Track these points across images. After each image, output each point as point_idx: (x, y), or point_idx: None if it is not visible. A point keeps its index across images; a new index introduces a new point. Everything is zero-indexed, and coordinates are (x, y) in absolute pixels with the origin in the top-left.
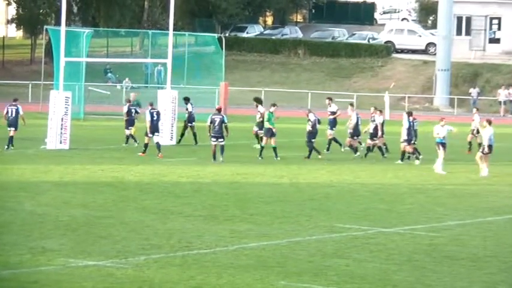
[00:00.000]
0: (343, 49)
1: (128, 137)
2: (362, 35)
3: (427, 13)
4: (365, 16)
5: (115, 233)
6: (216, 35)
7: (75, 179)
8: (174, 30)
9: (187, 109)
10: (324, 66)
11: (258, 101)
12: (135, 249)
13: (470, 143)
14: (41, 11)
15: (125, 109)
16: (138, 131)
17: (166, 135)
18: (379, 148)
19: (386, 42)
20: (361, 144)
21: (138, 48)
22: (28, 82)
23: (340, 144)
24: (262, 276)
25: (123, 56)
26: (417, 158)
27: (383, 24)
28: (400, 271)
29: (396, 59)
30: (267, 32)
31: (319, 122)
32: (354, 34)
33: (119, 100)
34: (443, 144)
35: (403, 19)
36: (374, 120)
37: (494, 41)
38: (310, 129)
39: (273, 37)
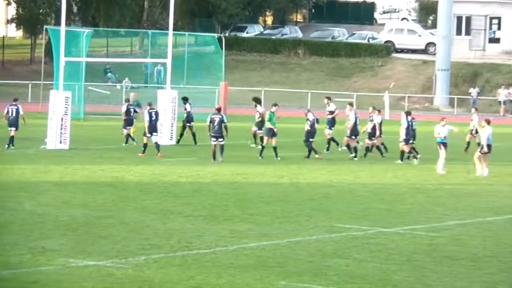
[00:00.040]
0: (343, 49)
1: (127, 137)
2: (362, 35)
3: (427, 13)
4: (365, 16)
5: (115, 233)
6: (216, 35)
7: (75, 179)
8: (174, 30)
9: (185, 109)
10: (324, 66)
11: (257, 100)
12: (135, 249)
13: (468, 143)
14: (41, 10)
15: (124, 108)
16: (137, 131)
17: (166, 135)
18: (378, 148)
19: (386, 42)
20: (358, 143)
21: (137, 48)
22: (28, 82)
23: (338, 144)
24: (262, 276)
25: (123, 55)
26: (415, 157)
27: (383, 24)
28: (400, 271)
29: (396, 59)
30: (266, 31)
31: (317, 122)
32: (354, 34)
33: (119, 100)
34: (445, 144)
35: (403, 19)
36: (372, 120)
37: (494, 40)
38: (309, 128)
39: (273, 37)
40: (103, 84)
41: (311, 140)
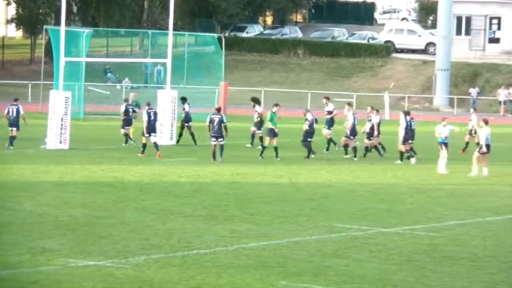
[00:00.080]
0: (343, 49)
1: (127, 137)
2: (362, 35)
3: (426, 13)
4: (365, 16)
5: (115, 233)
6: (215, 35)
7: (75, 179)
8: (173, 30)
9: (184, 109)
10: (324, 66)
11: (256, 101)
12: (135, 249)
13: (467, 143)
14: (41, 10)
15: (122, 108)
16: (137, 131)
17: (166, 135)
18: (375, 148)
19: (386, 42)
20: (355, 143)
21: (137, 48)
22: (28, 82)
23: (335, 143)
24: (262, 276)
25: (123, 56)
26: (412, 156)
27: (383, 24)
28: (400, 271)
29: (396, 59)
30: (266, 31)
31: (316, 122)
32: (354, 34)
33: (119, 100)
34: (446, 144)
35: (402, 19)
36: (370, 120)
37: (494, 40)
38: (308, 128)
39: (273, 37)
40: (103, 84)
41: (309, 140)
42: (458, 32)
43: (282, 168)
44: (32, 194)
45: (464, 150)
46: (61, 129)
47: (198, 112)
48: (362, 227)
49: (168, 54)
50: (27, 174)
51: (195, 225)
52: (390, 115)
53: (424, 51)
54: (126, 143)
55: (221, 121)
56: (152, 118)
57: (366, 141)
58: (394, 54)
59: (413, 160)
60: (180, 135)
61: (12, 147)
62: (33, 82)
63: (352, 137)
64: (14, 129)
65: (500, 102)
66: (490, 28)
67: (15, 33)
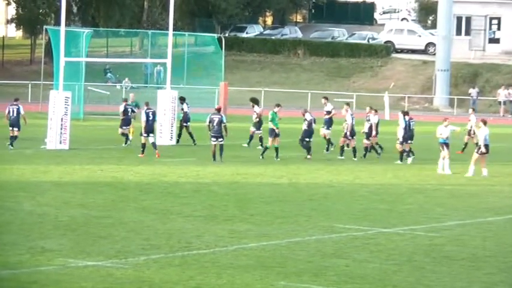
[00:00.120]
0: (342, 49)
1: (126, 138)
2: (362, 35)
3: (426, 13)
4: (365, 16)
5: (115, 233)
6: (215, 35)
7: (75, 179)
8: (173, 30)
9: (182, 109)
10: (324, 66)
11: (254, 101)
12: (134, 249)
13: (466, 143)
14: (41, 11)
15: (121, 108)
16: (136, 131)
17: (166, 135)
18: (373, 147)
19: (386, 42)
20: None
21: (137, 48)
22: (28, 82)
23: (332, 144)
24: (262, 277)
25: (123, 56)
26: (408, 156)
27: (383, 24)
28: (400, 271)
29: (396, 59)
30: (266, 32)
31: (314, 122)
32: (354, 34)
33: (119, 100)
34: (447, 145)
35: (402, 19)
36: (369, 120)
37: (494, 41)
38: (306, 128)
39: (273, 37)
40: (103, 84)
41: (307, 139)
42: (458, 32)
43: (281, 169)
44: (32, 194)
45: (463, 150)
46: (61, 129)
47: (198, 112)
48: (362, 227)
49: (168, 54)
50: (27, 174)
51: (195, 226)
52: (390, 115)
53: (424, 51)
54: (126, 143)
55: (221, 121)
56: (151, 118)
57: (365, 141)
58: (394, 55)
59: (409, 160)
60: (179, 135)
61: (12, 148)
62: (33, 82)
63: (351, 137)
64: (16, 129)
65: (500, 102)
66: (490, 28)
67: (15, 33)
